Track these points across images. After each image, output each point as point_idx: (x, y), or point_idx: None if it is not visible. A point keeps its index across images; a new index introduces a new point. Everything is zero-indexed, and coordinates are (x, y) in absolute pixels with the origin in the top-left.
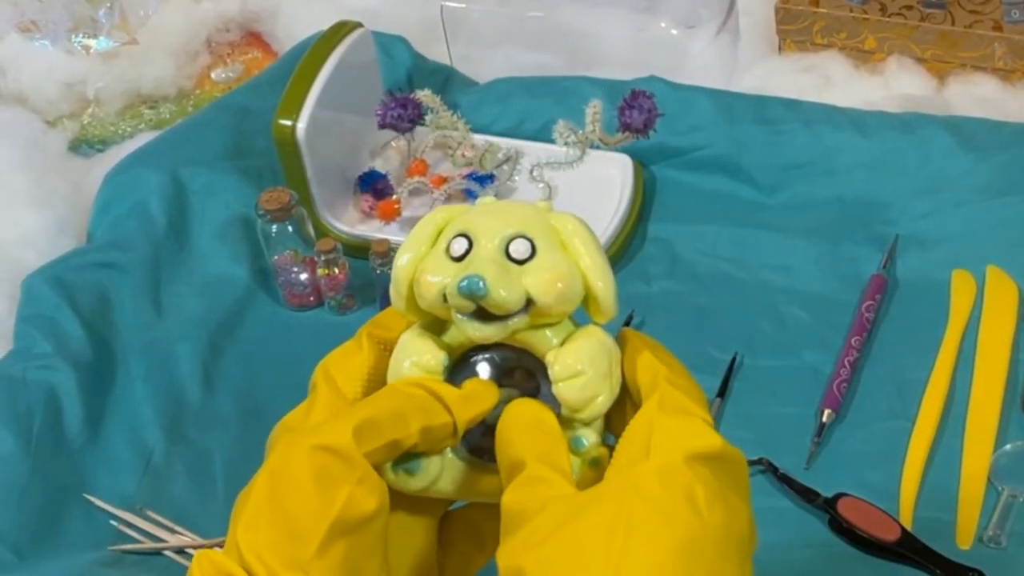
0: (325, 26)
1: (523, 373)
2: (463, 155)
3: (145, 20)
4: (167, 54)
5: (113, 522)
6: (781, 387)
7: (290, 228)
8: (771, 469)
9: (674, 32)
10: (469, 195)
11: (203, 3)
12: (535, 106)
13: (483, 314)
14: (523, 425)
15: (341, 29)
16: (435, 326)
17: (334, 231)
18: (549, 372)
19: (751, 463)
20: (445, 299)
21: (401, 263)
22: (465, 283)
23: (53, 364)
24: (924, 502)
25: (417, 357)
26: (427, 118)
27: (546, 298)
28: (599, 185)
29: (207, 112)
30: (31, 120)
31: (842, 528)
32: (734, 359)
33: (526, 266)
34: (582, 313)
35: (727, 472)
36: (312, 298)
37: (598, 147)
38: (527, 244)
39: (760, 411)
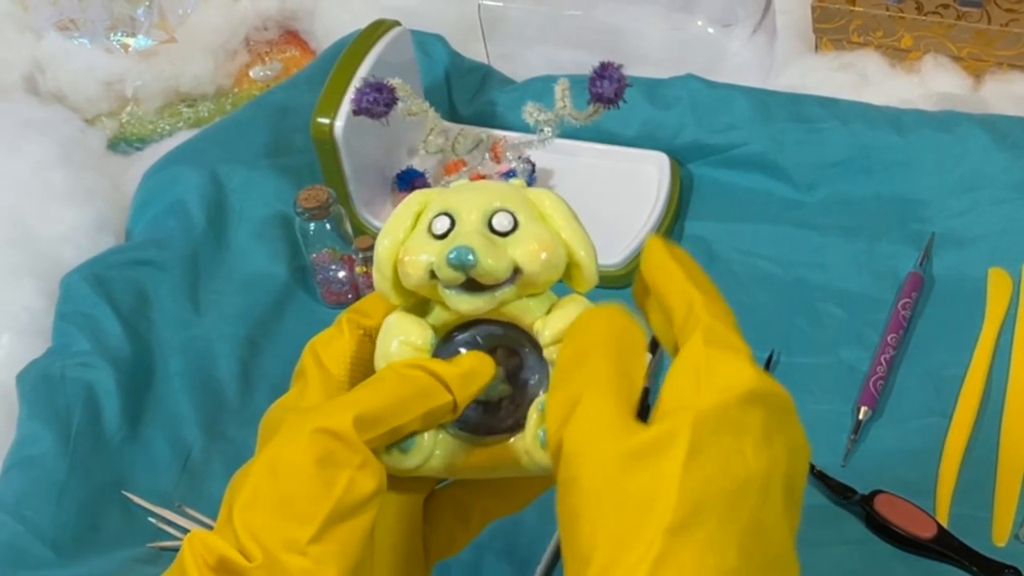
0: (363, 24)
1: (505, 351)
2: (436, 142)
3: (184, 18)
4: (206, 52)
5: (152, 519)
6: (818, 384)
7: (328, 226)
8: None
9: (711, 30)
10: None
11: (241, 1)
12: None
13: (472, 286)
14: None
15: (379, 27)
16: (418, 309)
17: (372, 229)
18: (539, 339)
19: None
20: (432, 276)
21: (384, 246)
22: (454, 254)
23: (92, 362)
24: (960, 499)
25: (405, 336)
26: (399, 105)
27: (533, 266)
28: (636, 183)
29: (245, 110)
30: (70, 118)
31: (878, 525)
32: (771, 356)
33: (510, 238)
34: (561, 287)
35: (774, 415)
36: (350, 296)
37: (571, 124)
38: (509, 217)
39: (796, 408)
